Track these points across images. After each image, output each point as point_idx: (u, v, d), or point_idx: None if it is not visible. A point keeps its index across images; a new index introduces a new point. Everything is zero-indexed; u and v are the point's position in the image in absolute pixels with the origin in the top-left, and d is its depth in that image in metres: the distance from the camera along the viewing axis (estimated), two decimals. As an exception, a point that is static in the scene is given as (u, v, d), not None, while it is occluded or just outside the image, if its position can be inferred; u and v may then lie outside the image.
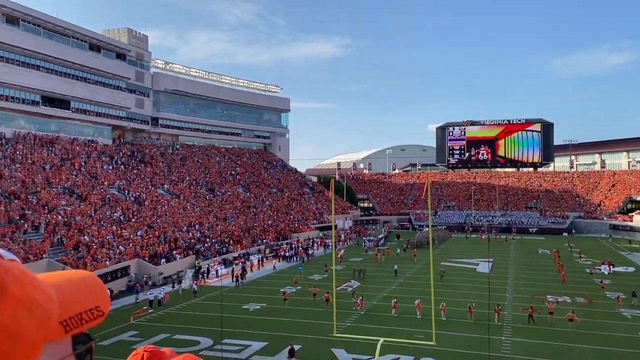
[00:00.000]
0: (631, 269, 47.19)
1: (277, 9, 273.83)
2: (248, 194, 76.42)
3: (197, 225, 55.35)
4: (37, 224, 40.48)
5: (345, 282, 40.42)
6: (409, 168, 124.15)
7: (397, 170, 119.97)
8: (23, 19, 59.91)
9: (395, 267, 44.85)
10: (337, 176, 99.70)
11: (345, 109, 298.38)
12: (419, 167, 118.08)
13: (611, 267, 45.60)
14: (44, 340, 0.61)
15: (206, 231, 55.05)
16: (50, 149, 57.86)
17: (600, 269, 45.24)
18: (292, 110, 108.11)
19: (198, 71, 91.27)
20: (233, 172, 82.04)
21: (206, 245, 51.24)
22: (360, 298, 32.61)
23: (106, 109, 71.26)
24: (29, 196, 44.25)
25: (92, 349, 0.70)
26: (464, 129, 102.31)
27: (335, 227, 62.44)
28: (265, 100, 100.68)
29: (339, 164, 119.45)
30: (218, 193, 71.24)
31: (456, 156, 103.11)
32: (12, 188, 44.27)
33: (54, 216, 42.80)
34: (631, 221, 75.74)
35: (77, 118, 66.79)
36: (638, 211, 79.56)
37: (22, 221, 39.77)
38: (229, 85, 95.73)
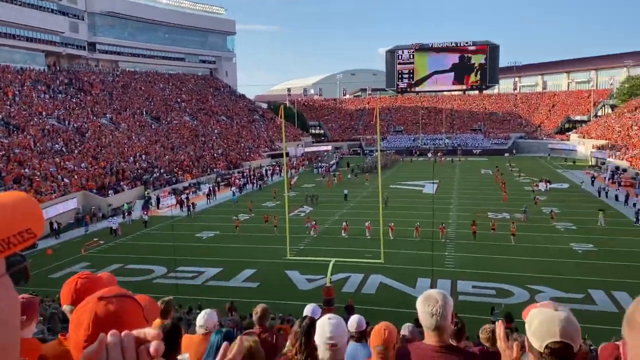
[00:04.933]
0: (565, 185, 50.24)
1: None
2: (196, 122, 74.63)
3: (143, 156, 54.06)
4: (-29, 158, 38.44)
5: (297, 207, 41.09)
6: (359, 93, 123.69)
7: (347, 96, 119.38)
8: None
9: (346, 191, 45.77)
10: (287, 102, 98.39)
11: (297, 33, 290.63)
12: (369, 92, 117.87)
13: (548, 184, 48.32)
14: None
15: (154, 161, 53.93)
16: (-22, 77, 53.88)
17: (538, 186, 47.91)
18: (239, 33, 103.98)
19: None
20: (179, 100, 79.44)
21: (155, 175, 50.35)
22: (314, 222, 33.37)
23: (38, 33, 66.24)
24: (-41, 129, 41.66)
25: (26, 269, 0.73)
26: (413, 52, 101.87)
27: (287, 154, 62.38)
28: (209, 23, 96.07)
29: (289, 89, 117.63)
30: (164, 122, 69.21)
31: (405, 80, 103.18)
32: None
33: (-10, 150, 40.66)
34: (568, 140, 79.56)
35: (5, 43, 61.94)
36: (574, 131, 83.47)
37: (-46, 156, 37.68)
38: (171, 6, 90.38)
